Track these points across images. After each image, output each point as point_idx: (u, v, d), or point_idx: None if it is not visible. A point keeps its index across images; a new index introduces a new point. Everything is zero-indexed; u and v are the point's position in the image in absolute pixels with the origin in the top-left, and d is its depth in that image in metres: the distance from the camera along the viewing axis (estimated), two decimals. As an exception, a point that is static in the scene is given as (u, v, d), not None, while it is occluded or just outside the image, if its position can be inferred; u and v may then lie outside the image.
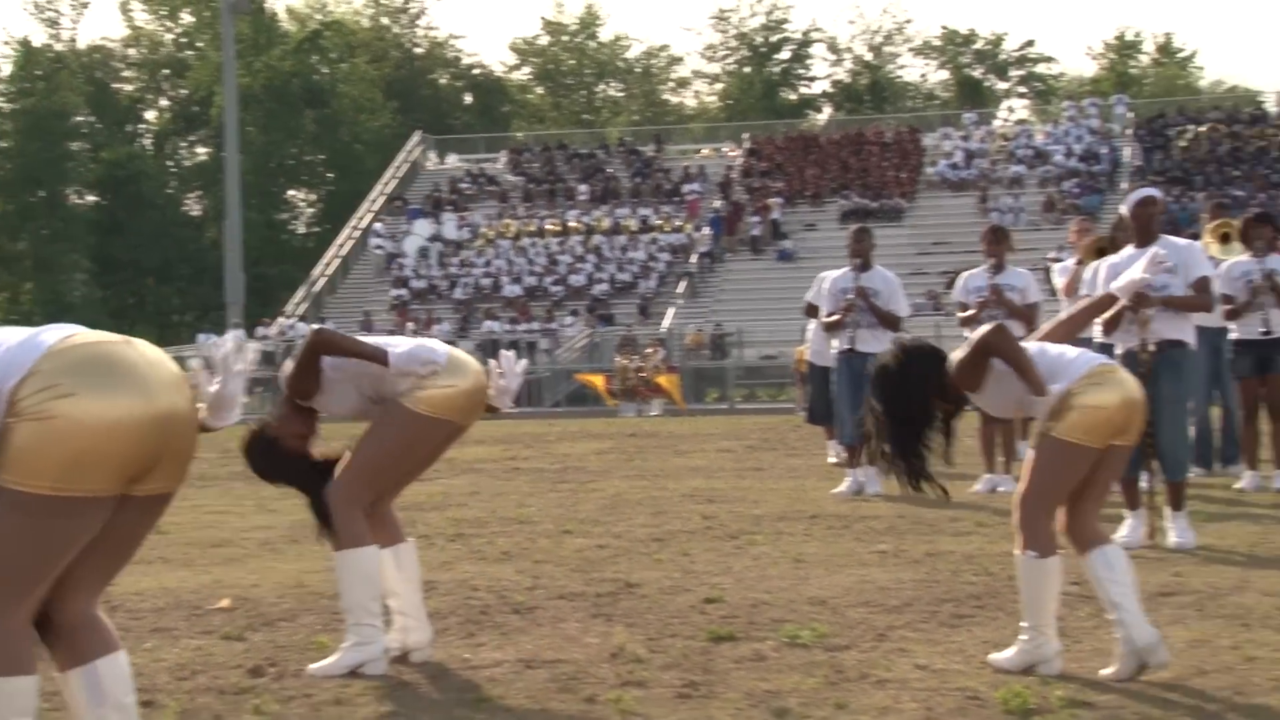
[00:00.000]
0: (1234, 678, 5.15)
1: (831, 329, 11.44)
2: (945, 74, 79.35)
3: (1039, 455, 5.25)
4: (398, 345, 5.51)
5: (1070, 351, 5.40)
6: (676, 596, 6.97)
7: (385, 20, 76.47)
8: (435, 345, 5.63)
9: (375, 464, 5.54)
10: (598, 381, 29.81)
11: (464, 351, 5.83)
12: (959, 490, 11.17)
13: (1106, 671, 5.18)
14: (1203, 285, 8.43)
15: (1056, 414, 5.17)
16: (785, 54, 76.93)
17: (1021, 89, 78.97)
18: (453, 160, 53.83)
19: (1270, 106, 51.32)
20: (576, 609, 6.68)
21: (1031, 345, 5.45)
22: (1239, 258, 10.70)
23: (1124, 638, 5.10)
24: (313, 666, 5.52)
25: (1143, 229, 8.50)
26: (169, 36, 72.08)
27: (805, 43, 77.13)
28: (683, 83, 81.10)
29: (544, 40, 78.33)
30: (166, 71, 71.72)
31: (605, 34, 78.88)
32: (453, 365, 5.52)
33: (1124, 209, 8.78)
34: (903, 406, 5.34)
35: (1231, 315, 10.56)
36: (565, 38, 78.01)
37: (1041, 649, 5.24)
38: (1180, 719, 4.72)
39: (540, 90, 79.51)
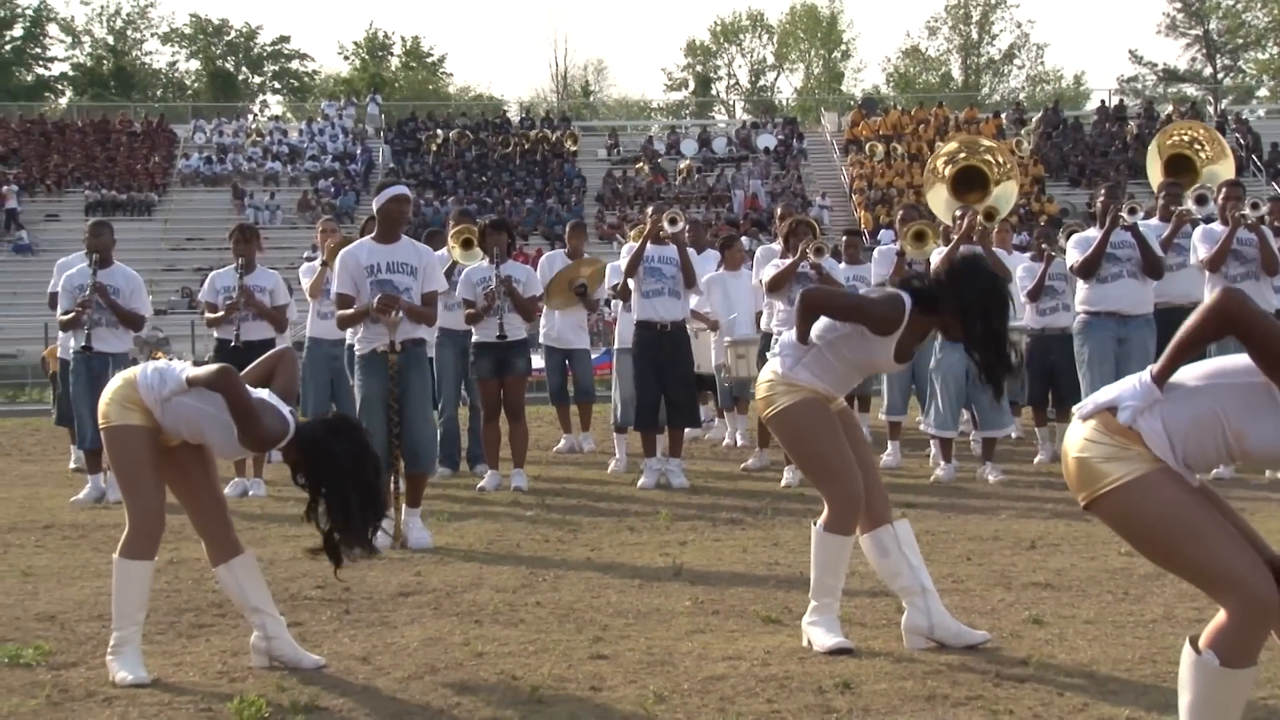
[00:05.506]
0: (463, 673, 5.32)
1: (67, 327, 10.86)
2: (197, 64, 78.01)
3: None
4: None
5: None
6: None
7: None
8: None
9: None
10: None
11: None
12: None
13: None
14: (430, 299, 8.71)
15: None
16: (18, 31, 72.79)
17: (276, 84, 79.02)
18: None
19: (513, 115, 54.19)
20: None
21: None
22: (479, 263, 11.11)
23: None
24: None
25: (391, 225, 8.65)
26: None
27: (39, 20, 73.31)
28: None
29: None
30: None
31: None
32: None
33: (375, 204, 8.86)
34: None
35: (471, 320, 10.95)
36: None
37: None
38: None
39: None
